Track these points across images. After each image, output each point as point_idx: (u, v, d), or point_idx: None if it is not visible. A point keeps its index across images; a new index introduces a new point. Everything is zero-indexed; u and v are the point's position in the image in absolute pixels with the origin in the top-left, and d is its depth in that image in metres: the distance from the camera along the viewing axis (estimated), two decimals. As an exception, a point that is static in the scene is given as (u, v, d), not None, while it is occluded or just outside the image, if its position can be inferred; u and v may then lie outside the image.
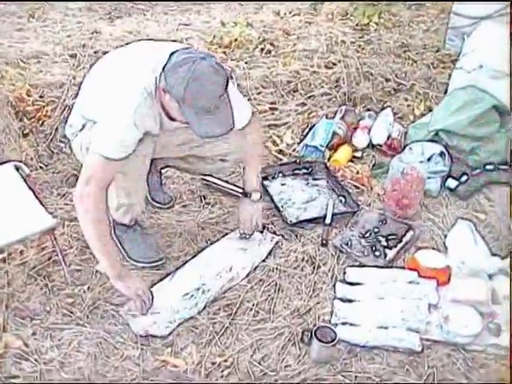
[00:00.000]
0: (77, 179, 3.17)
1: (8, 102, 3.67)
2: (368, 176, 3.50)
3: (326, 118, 3.86)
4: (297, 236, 3.10)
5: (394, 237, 3.08)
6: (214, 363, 2.52)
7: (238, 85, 4.08)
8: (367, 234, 3.09)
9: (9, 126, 3.53)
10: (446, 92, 3.94)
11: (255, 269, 2.91)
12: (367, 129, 3.79)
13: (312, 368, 2.51)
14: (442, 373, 2.53)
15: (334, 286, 2.83)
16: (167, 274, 2.83)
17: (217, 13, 5.05)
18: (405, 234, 3.10)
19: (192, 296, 2.72)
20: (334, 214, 3.18)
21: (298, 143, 3.72)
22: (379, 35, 4.84)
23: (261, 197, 2.98)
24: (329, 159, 3.60)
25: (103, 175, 2.45)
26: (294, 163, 3.55)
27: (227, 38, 4.60)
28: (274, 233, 3.05)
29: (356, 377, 2.49)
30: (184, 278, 2.81)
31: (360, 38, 4.77)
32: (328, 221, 3.15)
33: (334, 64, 4.36)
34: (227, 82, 2.39)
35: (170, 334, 2.60)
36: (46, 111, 3.71)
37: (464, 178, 3.47)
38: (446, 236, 3.12)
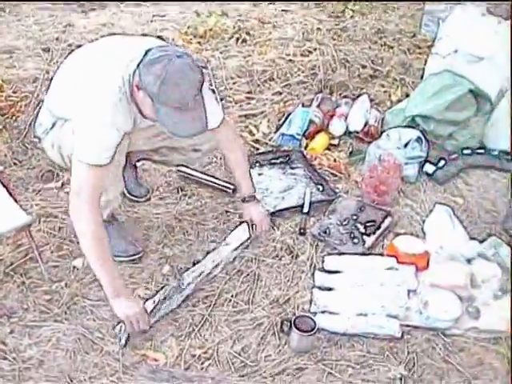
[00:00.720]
0: (52, 175, 3.22)
1: (-19, 98, 3.64)
2: (345, 163, 3.50)
3: (303, 106, 3.85)
4: (275, 225, 3.09)
5: (372, 223, 3.08)
6: (193, 355, 2.51)
7: (214, 75, 4.08)
8: (345, 222, 3.09)
9: (-19, 122, 3.50)
10: (422, 77, 3.95)
11: (233, 260, 2.90)
12: (344, 116, 3.78)
13: (292, 357, 2.51)
14: (422, 358, 2.53)
15: (313, 274, 2.83)
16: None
17: (191, 3, 4.99)
18: (383, 221, 3.10)
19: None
20: (311, 203, 3.18)
21: (275, 132, 3.71)
22: (355, 22, 4.84)
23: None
24: (306, 147, 3.60)
25: (93, 183, 2.42)
26: (270, 152, 3.54)
27: (202, 28, 4.58)
28: (253, 226, 3.01)
29: (336, 365, 2.49)
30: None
31: (336, 25, 4.77)
32: (306, 209, 3.15)
33: (310, 52, 4.36)
34: (202, 81, 2.36)
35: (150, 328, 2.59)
36: (20, 107, 3.68)
37: (441, 163, 3.48)
38: (424, 221, 3.14)
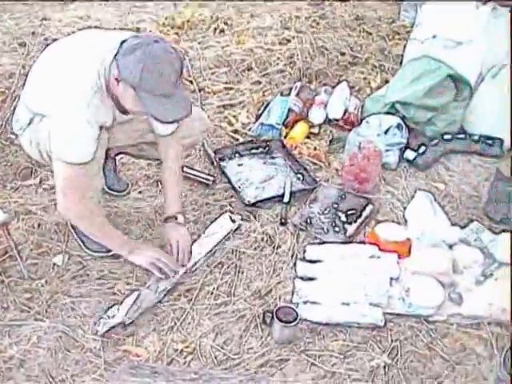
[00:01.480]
0: (31, 172, 3.18)
1: (-44, 94, 3.59)
2: (325, 152, 3.48)
3: (281, 95, 3.82)
4: (255, 216, 3.07)
5: (353, 212, 3.07)
6: (176, 350, 2.49)
7: (192, 66, 4.05)
8: (326, 211, 3.07)
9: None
10: (401, 63, 3.93)
11: (214, 253, 2.88)
12: (323, 104, 3.75)
13: (275, 349, 2.49)
14: (406, 345, 2.53)
15: (295, 264, 2.81)
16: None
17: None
18: (364, 209, 3.09)
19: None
20: (292, 192, 3.16)
21: (254, 122, 3.68)
22: (334, 9, 4.79)
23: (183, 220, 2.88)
24: (285, 137, 3.57)
25: (77, 182, 2.42)
26: (250, 142, 3.52)
27: (179, 19, 4.52)
28: (231, 220, 2.99)
29: (319, 355, 2.48)
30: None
31: (314, 12, 4.71)
32: (286, 199, 3.13)
33: (289, 40, 4.31)
34: (182, 64, 2.33)
35: (131, 323, 2.56)
36: (-4, 103, 3.62)
37: (422, 149, 3.47)
38: (405, 208, 3.13)
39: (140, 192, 3.21)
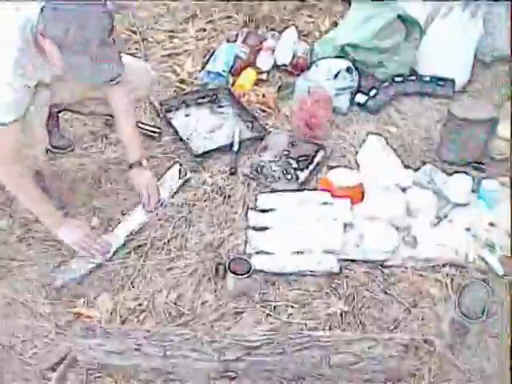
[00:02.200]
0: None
1: None
2: (274, 98, 3.43)
3: (228, 42, 3.75)
4: (204, 167, 3.02)
5: (305, 158, 3.02)
6: (128, 309, 2.44)
7: (134, 16, 3.92)
8: (277, 158, 3.02)
9: None
10: (350, 5, 3.82)
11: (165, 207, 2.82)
12: (271, 50, 3.70)
13: (229, 302, 2.46)
14: (362, 291, 2.51)
15: (246, 214, 2.77)
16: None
17: None
18: (316, 155, 3.05)
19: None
20: (241, 141, 3.12)
21: (200, 71, 3.61)
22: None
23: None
24: (233, 84, 3.52)
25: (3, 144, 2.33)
26: (196, 92, 3.45)
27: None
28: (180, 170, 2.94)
29: (275, 306, 2.45)
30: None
31: (260, -46, 4.59)
32: (235, 148, 3.09)
33: (234, -16, 4.20)
34: (112, 25, 2.21)
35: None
36: None
37: (373, 91, 3.43)
38: (357, 153, 3.10)
39: (85, 148, 3.13)
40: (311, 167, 2.99)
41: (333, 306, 2.45)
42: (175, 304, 2.46)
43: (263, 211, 2.77)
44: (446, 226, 2.72)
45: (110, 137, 3.16)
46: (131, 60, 2.72)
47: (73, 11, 2.10)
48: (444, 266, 2.59)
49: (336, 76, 3.35)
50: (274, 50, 3.70)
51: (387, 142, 3.11)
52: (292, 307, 2.45)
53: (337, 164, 3.03)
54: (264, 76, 3.60)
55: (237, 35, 3.78)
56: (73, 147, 3.11)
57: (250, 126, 3.25)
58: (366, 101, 3.40)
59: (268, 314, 2.42)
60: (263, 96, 3.43)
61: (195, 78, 3.57)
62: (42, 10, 2.16)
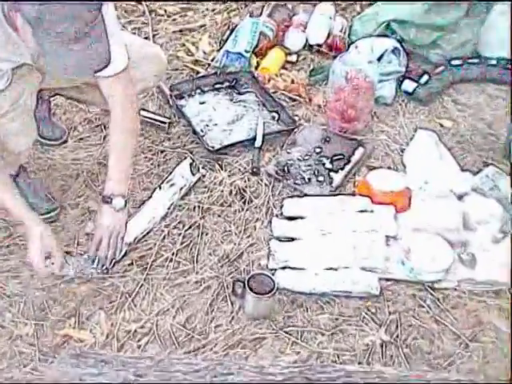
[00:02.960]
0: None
1: None
2: (305, 85, 3.46)
3: (251, 16, 3.79)
4: (221, 165, 3.05)
5: (340, 157, 3.06)
6: (128, 332, 2.46)
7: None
8: (307, 157, 3.06)
9: None
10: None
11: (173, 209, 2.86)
12: (302, 26, 3.74)
13: (248, 326, 2.48)
14: (407, 318, 2.51)
15: (270, 222, 2.79)
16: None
17: None
18: (353, 153, 3.08)
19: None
20: (265, 135, 3.14)
21: (218, 50, 3.66)
22: None
23: (125, 205, 2.64)
24: (256, 67, 3.56)
25: None
26: (214, 75, 3.49)
27: None
28: (191, 165, 2.95)
29: (302, 332, 2.46)
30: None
31: None
32: (258, 144, 3.11)
33: None
34: (100, 4, 2.15)
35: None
36: None
37: (424, 78, 3.45)
38: (403, 151, 3.11)
39: (80, 139, 3.18)
40: (348, 168, 3.02)
41: (371, 335, 2.46)
42: (184, 327, 2.48)
43: (290, 219, 2.79)
44: (512, 242, 2.73)
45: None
46: (138, 42, 2.73)
47: None
48: (509, 290, 2.58)
49: (380, 59, 3.38)
50: (305, 27, 3.73)
51: (440, 139, 3.12)
52: (322, 335, 2.46)
53: (379, 164, 3.06)
54: (293, 58, 3.65)
55: (262, 8, 3.82)
56: (66, 138, 3.15)
57: (276, 117, 3.28)
58: (416, 89, 3.41)
59: (294, 342, 2.43)
60: (292, 82, 3.47)
61: (212, 59, 3.62)
62: None
